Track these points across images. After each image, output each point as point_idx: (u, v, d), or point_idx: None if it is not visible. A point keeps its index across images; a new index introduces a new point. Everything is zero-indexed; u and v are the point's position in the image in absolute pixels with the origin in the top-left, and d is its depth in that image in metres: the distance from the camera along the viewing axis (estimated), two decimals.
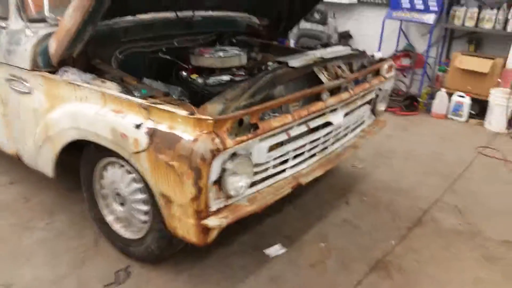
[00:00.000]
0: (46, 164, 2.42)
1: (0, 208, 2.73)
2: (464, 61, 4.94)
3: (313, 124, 2.21)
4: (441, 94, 5.06)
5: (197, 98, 2.09)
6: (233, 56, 2.56)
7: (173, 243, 2.11)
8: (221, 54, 2.54)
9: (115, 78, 2.11)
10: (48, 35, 2.20)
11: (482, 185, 3.39)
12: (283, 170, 2.18)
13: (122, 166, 2.13)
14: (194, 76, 2.17)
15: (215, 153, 1.66)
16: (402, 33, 5.65)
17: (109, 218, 2.34)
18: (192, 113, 1.72)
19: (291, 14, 3.25)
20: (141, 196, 2.10)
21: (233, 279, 2.21)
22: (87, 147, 2.22)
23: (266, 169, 2.05)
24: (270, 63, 2.53)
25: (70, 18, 1.96)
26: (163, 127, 1.76)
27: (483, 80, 4.85)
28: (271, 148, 2.01)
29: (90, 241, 2.45)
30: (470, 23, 4.94)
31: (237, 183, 1.84)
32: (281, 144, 2.07)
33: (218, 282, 2.20)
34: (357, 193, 3.15)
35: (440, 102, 5.08)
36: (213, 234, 1.86)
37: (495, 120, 4.72)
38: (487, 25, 4.83)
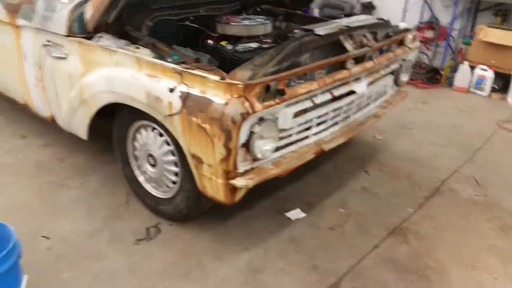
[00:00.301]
0: (80, 126, 2.55)
1: (37, 167, 2.89)
2: (489, 33, 4.87)
3: (337, 92, 2.28)
4: (464, 67, 5.02)
5: (226, 64, 2.17)
6: (259, 24, 2.62)
7: (201, 203, 2.23)
8: (247, 22, 2.60)
9: (148, 44, 2.19)
10: (83, 2, 2.29)
11: (501, 158, 3.42)
12: (307, 137, 2.26)
13: (154, 129, 2.24)
14: (223, 43, 2.23)
15: (244, 116, 1.75)
16: (426, 5, 5.57)
17: (141, 178, 2.47)
18: (223, 78, 1.80)
19: None
20: (172, 157, 2.22)
21: (255, 238, 2.34)
22: (121, 110, 2.34)
23: (291, 135, 2.14)
24: (296, 31, 2.57)
25: None
26: (195, 91, 1.85)
27: (507, 53, 4.78)
28: (296, 114, 2.09)
29: (122, 199, 2.60)
30: None
31: (264, 146, 1.94)
32: (305, 111, 2.15)
33: (241, 240, 2.32)
34: (377, 163, 3.22)
35: (462, 76, 5.05)
36: (240, 194, 1.98)
37: None
38: None
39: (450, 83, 5.21)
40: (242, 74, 1.90)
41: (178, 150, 2.09)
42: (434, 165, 3.23)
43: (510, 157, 3.44)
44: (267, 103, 1.84)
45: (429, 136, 3.76)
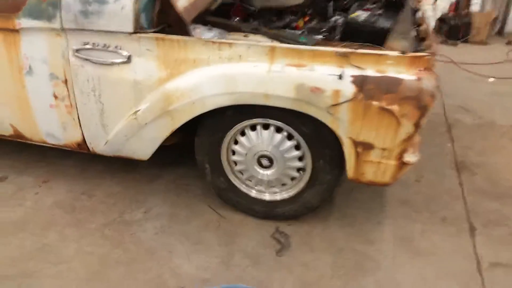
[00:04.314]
0: (144, 145, 2.05)
1: (68, 212, 2.22)
2: None
3: None
4: None
5: (358, 37, 1.96)
6: None
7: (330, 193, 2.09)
8: None
9: (257, 30, 1.84)
10: None
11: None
12: None
13: (267, 126, 1.95)
14: (354, 14, 1.99)
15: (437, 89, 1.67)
16: None
17: (243, 186, 2.15)
18: (404, 52, 1.66)
19: None
20: (296, 153, 1.99)
21: (370, 211, 2.31)
22: (213, 115, 1.94)
23: None
24: None
25: None
26: (370, 72, 1.67)
27: None
28: None
29: (209, 215, 2.22)
30: None
31: None
32: None
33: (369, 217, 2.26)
34: None
35: None
36: (404, 172, 1.91)
37: None
38: None
39: None
40: (398, 45, 1.78)
41: (313, 142, 1.89)
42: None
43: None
44: None
45: None
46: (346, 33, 2.04)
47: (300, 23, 2.31)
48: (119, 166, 2.51)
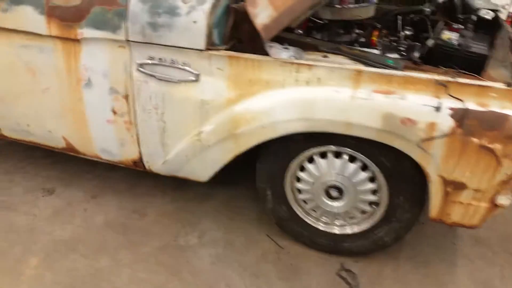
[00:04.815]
0: (205, 166, 1.91)
1: (120, 233, 2.10)
2: None
3: None
4: None
5: (449, 62, 1.77)
6: None
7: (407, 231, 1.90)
8: None
9: (338, 50, 1.67)
10: None
11: None
12: None
13: (338, 154, 1.78)
14: (446, 36, 1.80)
15: None
16: None
17: (309, 218, 1.98)
18: (509, 84, 1.46)
19: None
20: (371, 185, 1.80)
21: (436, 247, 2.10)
22: (279, 141, 1.78)
23: None
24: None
25: None
26: (471, 105, 1.48)
27: None
28: None
29: (271, 245, 2.06)
30: None
31: None
32: None
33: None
34: None
35: None
36: (494, 215, 1.71)
37: None
38: None
39: None
40: (498, 74, 1.58)
41: (392, 176, 1.71)
42: None
43: None
44: None
45: None
46: (435, 57, 1.83)
47: (373, 38, 2.13)
48: (169, 183, 2.39)
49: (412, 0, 2.75)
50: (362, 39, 2.19)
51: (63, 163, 2.59)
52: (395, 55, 2.02)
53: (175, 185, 2.39)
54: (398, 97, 1.52)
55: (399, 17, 2.27)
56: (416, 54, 1.92)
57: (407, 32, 2.17)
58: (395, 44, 2.09)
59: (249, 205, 2.31)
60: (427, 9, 2.27)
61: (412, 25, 2.23)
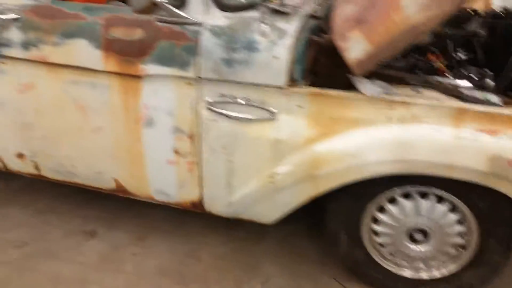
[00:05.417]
0: (274, 209, 1.77)
1: (177, 281, 1.93)
2: None
3: None
4: None
5: None
6: None
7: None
8: None
9: (429, 83, 1.55)
10: (311, 30, 1.49)
11: None
12: None
13: (423, 195, 1.64)
14: None
15: None
16: None
17: (387, 263, 1.83)
18: None
19: None
20: (459, 228, 1.67)
21: None
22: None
23: None
24: None
25: (419, 8, 1.32)
26: None
27: None
28: None
29: None
30: None
31: None
32: None
33: None
34: None
35: None
36: None
37: None
38: None
39: None
40: None
41: (486, 218, 1.59)
42: None
43: None
44: None
45: None
46: None
47: (441, 66, 2.00)
48: (220, 220, 2.21)
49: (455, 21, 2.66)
50: (422, 64, 2.06)
51: (99, 201, 2.42)
52: (467, 84, 1.90)
53: (227, 223, 2.23)
54: (504, 137, 1.40)
55: (450, 41, 2.16)
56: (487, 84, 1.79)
57: (462, 56, 2.06)
58: (465, 72, 1.97)
59: (308, 244, 2.16)
60: (482, 31, 2.17)
61: (464, 49, 2.12)
